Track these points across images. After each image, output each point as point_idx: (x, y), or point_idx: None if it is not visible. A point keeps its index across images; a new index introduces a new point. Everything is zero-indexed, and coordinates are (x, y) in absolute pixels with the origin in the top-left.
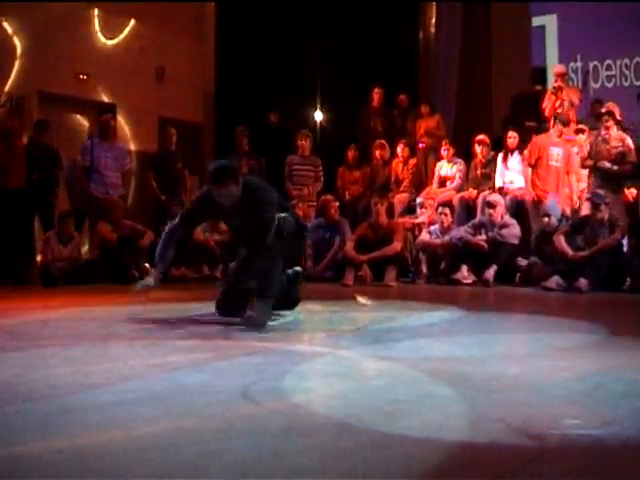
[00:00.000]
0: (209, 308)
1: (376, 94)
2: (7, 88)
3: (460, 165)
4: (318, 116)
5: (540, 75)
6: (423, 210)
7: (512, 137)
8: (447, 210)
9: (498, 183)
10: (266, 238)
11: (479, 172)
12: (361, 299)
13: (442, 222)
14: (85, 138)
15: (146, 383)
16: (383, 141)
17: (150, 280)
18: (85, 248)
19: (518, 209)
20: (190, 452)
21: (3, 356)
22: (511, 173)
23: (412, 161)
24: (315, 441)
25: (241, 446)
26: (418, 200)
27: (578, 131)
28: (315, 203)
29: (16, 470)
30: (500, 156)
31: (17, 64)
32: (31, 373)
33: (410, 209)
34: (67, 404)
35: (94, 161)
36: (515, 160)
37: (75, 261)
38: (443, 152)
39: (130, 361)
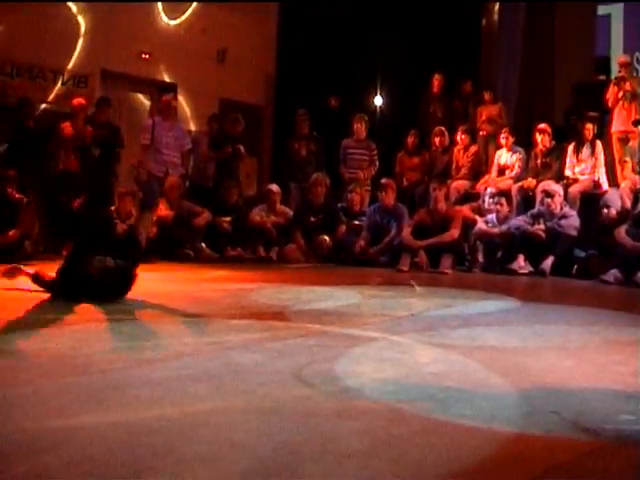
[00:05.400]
0: (264, 288)
1: (436, 80)
2: (71, 66)
3: (520, 154)
4: (378, 101)
5: (604, 64)
6: (490, 200)
7: (589, 129)
8: (503, 200)
9: (568, 174)
10: None
11: (539, 161)
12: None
13: (498, 211)
14: (146, 117)
15: (200, 361)
16: (442, 128)
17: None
18: None
19: (587, 201)
20: (241, 431)
21: (61, 329)
22: (582, 164)
23: (473, 148)
24: (366, 425)
25: (292, 427)
26: (489, 190)
27: (637, 122)
28: (370, 187)
29: (70, 442)
30: (571, 147)
31: (81, 43)
32: (87, 347)
33: (466, 197)
34: (121, 379)
35: (155, 140)
36: (587, 151)
37: None
38: (502, 140)
39: (184, 338)
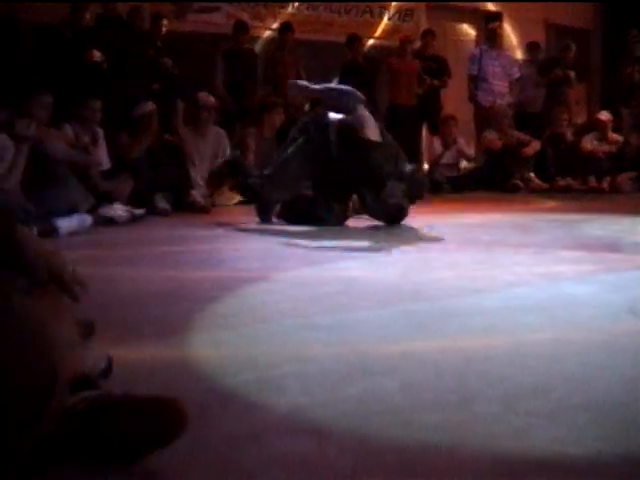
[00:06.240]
0: (595, 219)
1: None
2: (396, 1)
3: None
4: None
5: None
6: None
7: None
8: None
9: None
10: None
11: None
12: None
13: None
14: (472, 47)
15: (531, 291)
16: None
17: None
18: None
19: None
20: (573, 363)
21: (387, 260)
22: None
23: None
24: None
25: (625, 362)
26: None
27: None
28: None
29: (402, 366)
30: None
31: None
32: (416, 275)
33: None
34: (451, 306)
35: (482, 70)
36: None
37: (454, 166)
38: None
39: (515, 268)
